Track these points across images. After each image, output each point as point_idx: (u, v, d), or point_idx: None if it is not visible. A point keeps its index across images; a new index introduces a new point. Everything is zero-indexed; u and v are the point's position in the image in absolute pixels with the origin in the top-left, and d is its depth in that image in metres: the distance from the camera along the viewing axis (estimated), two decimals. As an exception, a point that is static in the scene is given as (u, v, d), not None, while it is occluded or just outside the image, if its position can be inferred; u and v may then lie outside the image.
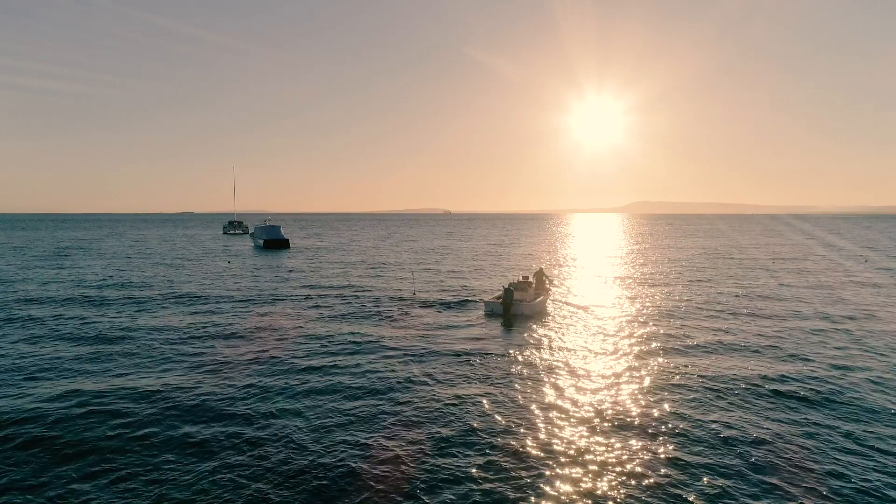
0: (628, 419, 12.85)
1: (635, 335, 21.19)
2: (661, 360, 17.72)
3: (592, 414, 13.17)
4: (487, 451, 11.23)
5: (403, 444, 11.52)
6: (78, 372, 16.36)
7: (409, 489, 9.79)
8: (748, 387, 15.08)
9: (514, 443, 11.59)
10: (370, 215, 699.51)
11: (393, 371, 16.44)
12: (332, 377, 15.87)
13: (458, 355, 18.24)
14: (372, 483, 10.00)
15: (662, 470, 10.47)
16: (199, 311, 26.13)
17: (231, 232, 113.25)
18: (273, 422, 12.63)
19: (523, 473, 10.33)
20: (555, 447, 11.41)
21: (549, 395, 14.40)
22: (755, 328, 22.57)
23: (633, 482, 10.03)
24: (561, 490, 9.78)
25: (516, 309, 25.66)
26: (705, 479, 10.16)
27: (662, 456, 11.01)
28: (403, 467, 10.55)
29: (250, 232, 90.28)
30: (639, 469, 10.50)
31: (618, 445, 11.50)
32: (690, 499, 9.52)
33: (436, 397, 14.24)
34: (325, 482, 10.03)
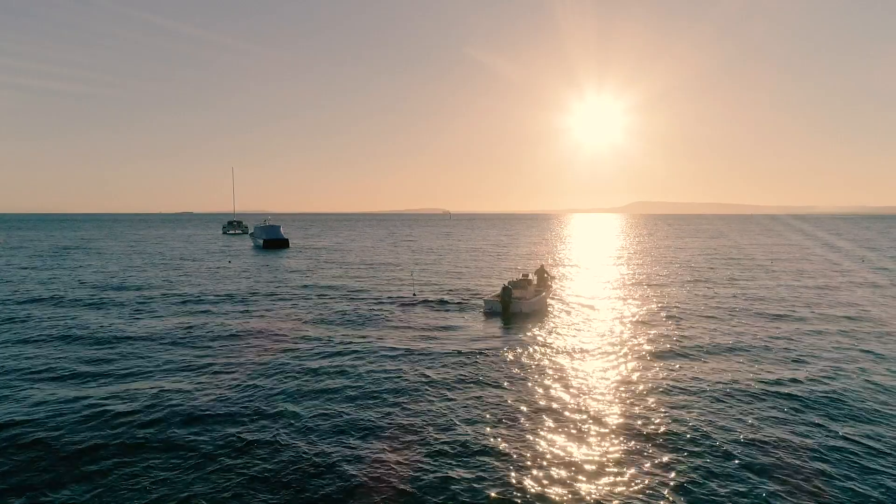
0: (626, 420, 12.88)
1: (634, 335, 21.23)
2: (659, 360, 17.75)
3: (590, 414, 13.20)
4: (486, 451, 11.26)
5: (402, 444, 11.55)
6: (76, 372, 16.39)
7: (408, 490, 9.84)
8: (745, 386, 15.11)
9: (512, 443, 11.63)
10: (370, 215, 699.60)
11: (393, 371, 16.48)
12: (332, 377, 15.91)
13: (458, 355, 18.27)
14: (371, 484, 10.03)
15: (661, 472, 10.51)
16: (199, 310, 26.17)
17: (230, 232, 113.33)
18: (272, 422, 12.66)
19: (521, 474, 10.37)
20: (551, 448, 11.45)
21: (547, 396, 14.44)
22: (753, 328, 22.61)
23: (631, 484, 10.07)
24: (559, 491, 9.83)
25: (515, 307, 25.75)
26: (702, 480, 10.21)
27: (660, 458, 11.05)
28: (402, 468, 10.59)
29: (250, 232, 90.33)
30: (638, 471, 10.53)
31: (616, 446, 11.53)
32: (688, 500, 9.57)
33: (435, 397, 14.28)
34: (324, 483, 10.07)
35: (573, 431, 12.23)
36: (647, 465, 10.70)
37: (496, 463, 10.76)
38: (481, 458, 10.94)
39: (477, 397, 14.32)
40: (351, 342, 20.08)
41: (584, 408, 13.61)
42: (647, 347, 19.36)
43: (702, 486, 9.96)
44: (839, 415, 13.28)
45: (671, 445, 11.51)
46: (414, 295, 30.88)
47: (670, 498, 9.57)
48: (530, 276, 29.40)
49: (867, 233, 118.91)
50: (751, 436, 11.98)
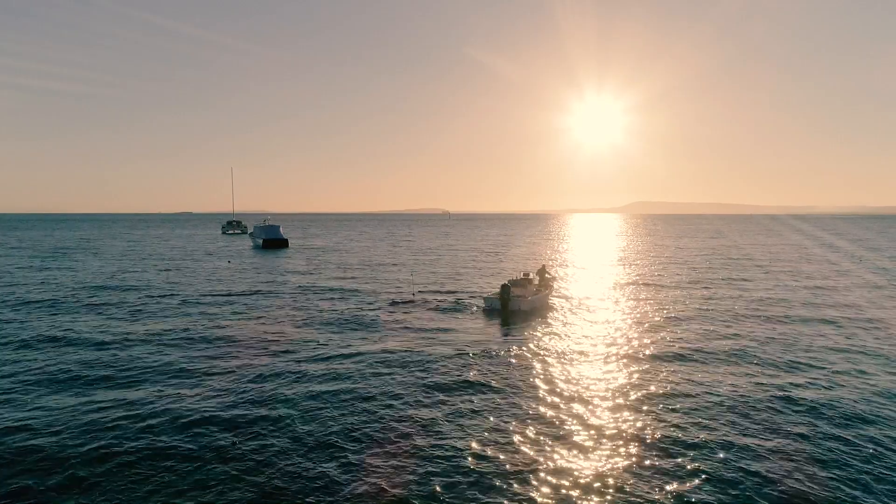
0: (623, 422, 12.90)
1: (633, 336, 21.25)
2: (657, 361, 17.76)
3: (586, 416, 13.23)
4: (484, 453, 11.29)
5: (400, 447, 11.56)
6: (70, 375, 16.39)
7: (406, 494, 9.86)
8: (742, 387, 15.14)
9: (510, 444, 11.66)
10: (369, 215, 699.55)
11: (391, 372, 16.49)
12: (330, 378, 15.93)
13: (456, 356, 18.27)
14: (367, 489, 10.06)
15: (659, 475, 10.53)
16: (197, 311, 26.19)
17: (230, 232, 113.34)
18: (269, 424, 12.68)
19: (519, 477, 10.39)
20: (548, 449, 11.47)
21: (545, 397, 14.46)
22: (751, 329, 22.64)
23: (628, 487, 10.10)
24: (557, 493, 9.85)
25: (514, 305, 25.90)
26: (699, 482, 10.24)
27: (657, 460, 11.07)
28: (399, 471, 10.61)
29: (249, 232, 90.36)
30: (635, 474, 10.55)
31: (613, 449, 11.54)
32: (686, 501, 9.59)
33: (433, 399, 14.30)
34: (323, 483, 10.10)
35: (570, 434, 12.24)
36: (645, 467, 10.72)
37: (493, 466, 10.78)
38: (479, 460, 10.96)
39: (475, 398, 14.34)
40: (350, 342, 20.10)
41: (580, 410, 13.63)
42: (645, 349, 19.39)
43: (698, 488, 9.99)
44: (838, 416, 13.29)
45: (668, 448, 11.53)
46: (413, 294, 30.91)
47: (668, 501, 9.59)
48: (531, 276, 29.52)
49: (867, 233, 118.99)
50: (749, 435, 12.01)
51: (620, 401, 14.07)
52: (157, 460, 10.83)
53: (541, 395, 14.46)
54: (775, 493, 9.72)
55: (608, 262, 52.92)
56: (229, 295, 30.97)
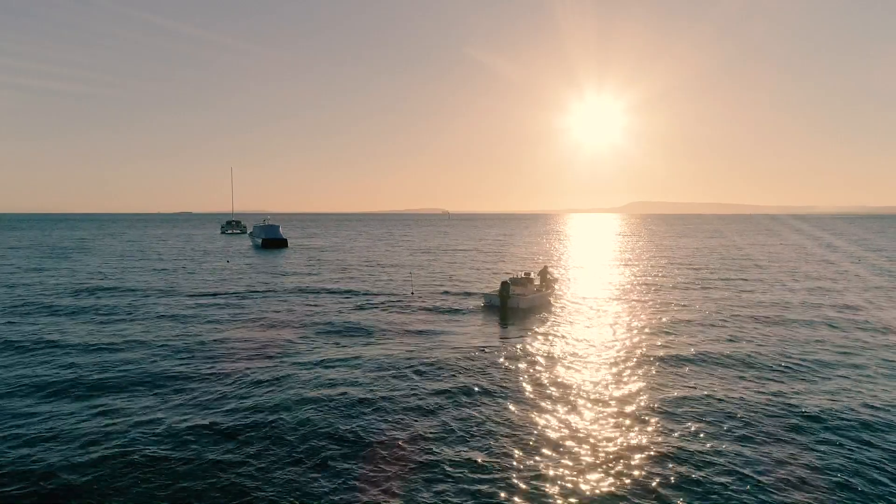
0: (621, 423, 12.93)
1: (630, 336, 21.28)
2: (654, 362, 17.78)
3: (583, 418, 13.27)
4: (482, 450, 11.32)
5: (398, 443, 11.60)
6: (71, 371, 16.44)
7: (404, 489, 9.89)
8: (740, 388, 15.19)
9: (507, 442, 11.69)
10: (369, 215, 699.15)
11: (390, 371, 16.52)
12: (329, 377, 15.95)
13: (454, 356, 18.29)
14: (368, 483, 10.09)
15: (656, 477, 10.56)
16: (196, 311, 26.20)
17: (229, 231, 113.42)
18: (268, 422, 12.71)
19: (515, 474, 10.43)
20: (544, 447, 11.51)
21: (542, 398, 14.50)
22: (750, 330, 22.67)
23: (624, 486, 10.14)
24: (551, 491, 9.89)
25: (513, 302, 26.16)
26: (693, 484, 10.27)
27: (654, 462, 11.10)
28: (398, 468, 10.65)
29: (249, 231, 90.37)
30: (632, 476, 10.60)
31: (609, 450, 11.57)
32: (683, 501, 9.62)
33: (430, 398, 14.32)
34: (321, 483, 10.12)
35: (566, 436, 12.26)
36: (642, 470, 10.75)
37: (490, 462, 10.82)
38: (475, 457, 10.99)
39: (472, 398, 14.36)
40: (348, 343, 20.13)
41: (576, 413, 13.65)
42: (643, 350, 19.42)
43: (693, 483, 10.02)
44: (839, 422, 13.33)
45: (665, 451, 11.56)
46: (412, 294, 30.95)
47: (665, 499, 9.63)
48: (532, 276, 29.71)
49: (866, 233, 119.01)
50: (746, 436, 12.05)
51: (616, 404, 14.06)
52: (151, 466, 10.70)
53: (536, 397, 14.48)
54: (771, 493, 9.76)
55: (607, 263, 52.95)
56: (228, 295, 30.98)
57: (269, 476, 10.19)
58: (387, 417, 12.87)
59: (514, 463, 10.70)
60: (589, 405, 13.70)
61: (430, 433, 12.02)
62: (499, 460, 10.81)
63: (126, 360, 17.50)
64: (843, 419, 12.90)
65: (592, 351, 18.83)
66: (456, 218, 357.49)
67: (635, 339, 20.42)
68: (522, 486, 9.88)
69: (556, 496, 9.56)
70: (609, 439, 11.74)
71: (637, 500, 9.43)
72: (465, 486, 9.84)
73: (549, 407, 13.58)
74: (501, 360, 17.72)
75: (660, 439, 11.71)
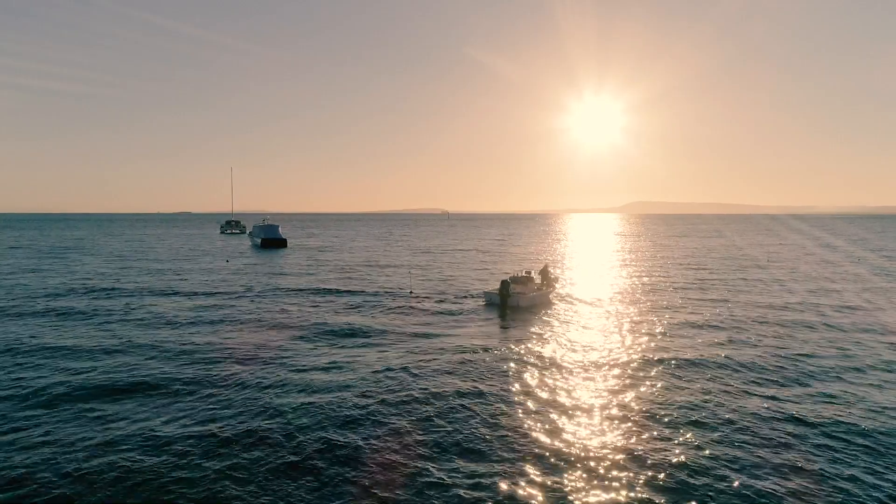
0: (617, 418, 12.89)
1: (628, 336, 21.23)
2: (651, 363, 17.72)
3: (580, 412, 13.23)
4: (479, 449, 11.28)
5: (396, 442, 11.55)
6: (68, 370, 16.38)
7: (402, 488, 9.84)
8: (737, 389, 15.14)
9: (504, 441, 11.65)
10: (369, 215, 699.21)
11: (388, 370, 16.46)
12: (327, 376, 15.91)
13: (454, 353, 18.26)
14: (366, 482, 10.04)
15: (652, 473, 10.52)
16: (196, 309, 26.15)
17: (229, 231, 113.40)
18: (266, 422, 12.66)
19: (512, 472, 10.38)
20: (539, 446, 11.46)
21: (539, 394, 14.46)
22: (747, 329, 22.62)
23: (621, 484, 10.09)
24: (548, 490, 9.84)
25: (513, 301, 26.32)
26: (690, 479, 10.22)
27: (651, 459, 11.06)
28: (395, 467, 10.59)
29: (248, 231, 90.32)
30: (627, 471, 10.55)
31: (606, 451, 11.53)
32: (679, 499, 9.58)
33: (429, 396, 14.27)
34: (320, 483, 10.07)
35: (566, 436, 12.23)
36: (641, 469, 10.71)
37: (488, 460, 10.77)
38: (474, 460, 10.94)
39: (471, 398, 14.31)
40: (346, 343, 20.08)
41: (575, 413, 13.61)
42: (641, 349, 19.38)
43: (690, 482, 9.98)
44: (835, 420, 13.29)
45: (665, 450, 11.51)
46: (411, 293, 30.91)
47: (663, 498, 9.58)
48: (533, 275, 29.80)
49: (867, 233, 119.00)
50: (744, 433, 12.00)
51: (614, 405, 14.00)
52: (141, 474, 10.51)
53: (535, 398, 14.41)
54: (764, 486, 9.71)
55: (606, 262, 52.91)
56: (227, 294, 30.92)
57: (265, 483, 10.13)
58: (384, 420, 12.80)
59: (513, 463, 10.65)
60: (587, 406, 13.65)
61: (428, 435, 11.95)
62: (497, 463, 10.75)
63: (119, 363, 17.28)
64: (842, 423, 12.84)
65: (591, 350, 18.77)
66: (456, 218, 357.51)
67: (633, 339, 20.37)
68: (521, 488, 9.83)
69: (554, 498, 9.51)
70: (608, 440, 11.68)
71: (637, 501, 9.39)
72: (465, 487, 9.79)
73: (549, 409, 13.52)
74: (501, 359, 17.65)
75: (659, 442, 11.65)
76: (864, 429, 12.23)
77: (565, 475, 10.18)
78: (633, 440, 11.60)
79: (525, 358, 17.77)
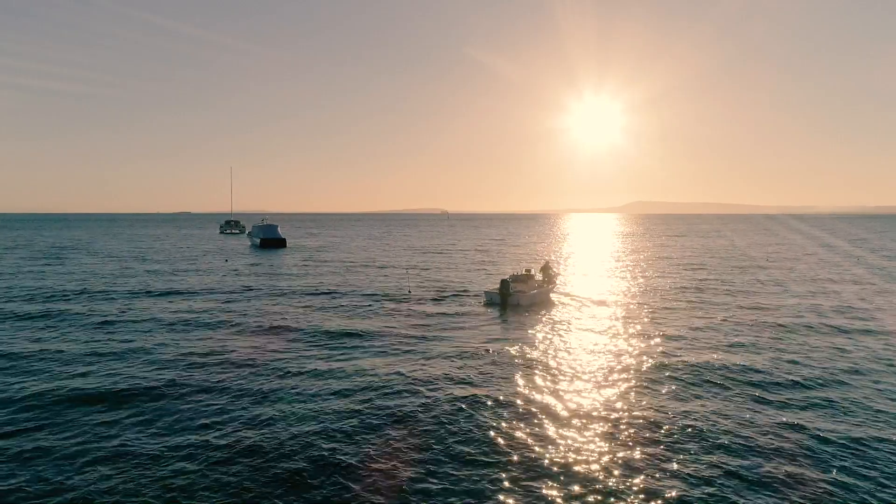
0: (614, 416, 12.84)
1: (626, 336, 21.18)
2: (650, 355, 17.70)
3: (580, 416, 13.18)
4: (478, 455, 11.23)
5: (394, 442, 11.50)
6: (66, 369, 16.31)
7: (401, 488, 9.79)
8: (735, 383, 15.08)
9: (502, 441, 11.60)
10: (369, 215, 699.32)
11: (386, 369, 16.41)
12: (325, 376, 15.85)
13: (452, 353, 18.21)
14: (362, 489, 9.99)
15: (649, 471, 10.47)
16: (194, 308, 26.10)
17: (228, 231, 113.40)
18: (264, 421, 12.60)
19: (511, 479, 10.33)
20: (538, 453, 11.41)
21: (538, 398, 14.41)
22: (746, 330, 22.56)
23: (618, 482, 10.03)
24: (545, 488, 9.79)
25: (513, 299, 26.35)
26: (689, 477, 10.17)
27: (648, 456, 11.01)
28: (394, 466, 10.55)
29: (247, 231, 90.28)
30: (625, 469, 10.50)
31: (603, 451, 11.48)
32: (677, 497, 9.52)
33: (425, 400, 14.21)
34: (318, 482, 10.01)
35: (562, 428, 12.18)
36: (635, 464, 10.66)
37: (486, 460, 10.72)
38: (473, 466, 10.88)
39: (467, 402, 14.24)
40: (344, 342, 20.02)
41: (572, 405, 13.57)
42: (640, 350, 19.33)
43: (688, 481, 9.92)
44: (833, 416, 13.25)
45: (657, 445, 11.47)
46: (409, 293, 30.86)
47: (660, 496, 9.53)
48: (533, 272, 29.87)
49: (864, 232, 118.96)
50: (742, 434, 11.95)
51: (612, 406, 13.97)
52: (129, 483, 10.60)
53: (534, 399, 14.35)
54: (761, 483, 9.66)
55: (605, 262, 52.84)
56: (225, 294, 30.86)
57: (262, 489, 10.08)
58: (380, 424, 12.72)
59: (513, 465, 10.60)
60: (587, 409, 13.59)
61: (426, 440, 11.87)
62: (497, 469, 10.69)
63: (110, 368, 16.90)
64: (842, 425, 12.79)
65: (591, 352, 18.71)
66: (455, 218, 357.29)
67: (632, 340, 20.30)
68: (519, 497, 9.78)
69: (554, 499, 9.46)
70: (608, 440, 11.63)
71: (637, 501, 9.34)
72: (464, 494, 9.73)
73: (548, 414, 13.45)
74: (500, 362, 17.59)
75: (659, 446, 11.59)
76: (863, 434, 12.17)
77: (565, 480, 10.12)
78: (633, 442, 11.55)
79: (524, 360, 17.70)
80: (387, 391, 14.49)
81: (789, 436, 11.80)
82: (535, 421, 12.61)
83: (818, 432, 11.99)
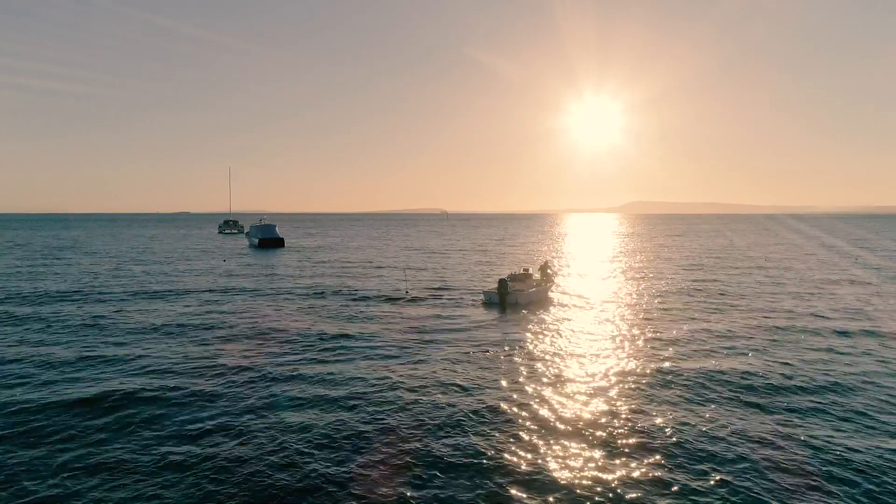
0: (610, 420, 12.73)
1: (625, 336, 21.08)
2: (647, 355, 17.60)
3: (574, 414, 13.08)
4: (480, 452, 11.11)
5: (389, 450, 11.40)
6: (63, 369, 16.21)
7: (399, 494, 9.67)
8: (730, 385, 14.98)
9: (496, 446, 11.49)
10: (368, 215, 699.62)
11: (383, 370, 16.32)
12: (324, 376, 15.75)
13: (449, 355, 18.10)
14: (363, 483, 9.88)
15: (642, 477, 10.36)
16: (189, 310, 25.98)
17: (226, 231, 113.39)
18: (262, 421, 12.51)
19: (508, 470, 10.22)
20: (534, 450, 11.31)
21: (536, 394, 14.32)
22: (745, 328, 22.46)
23: (616, 482, 9.92)
24: (544, 488, 9.67)
25: (512, 298, 26.36)
26: (688, 476, 10.05)
27: (642, 461, 10.90)
28: (392, 466, 10.43)
29: (246, 231, 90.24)
30: (619, 475, 10.39)
31: (602, 451, 11.37)
32: (675, 494, 9.41)
33: (425, 395, 14.12)
34: (318, 482, 9.90)
35: (561, 427, 12.07)
36: (633, 463, 10.55)
37: (485, 459, 10.60)
38: (471, 459, 10.77)
39: (464, 400, 14.15)
40: (342, 342, 19.91)
41: (570, 411, 13.46)
42: (639, 350, 19.24)
43: (688, 479, 9.80)
44: (832, 415, 13.14)
45: (656, 444, 11.36)
46: (406, 293, 30.75)
47: (660, 495, 9.40)
48: (531, 271, 29.90)
49: (863, 232, 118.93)
50: (739, 427, 11.84)
51: (609, 391, 13.89)
52: (117, 492, 10.59)
53: (529, 394, 14.27)
54: (760, 483, 9.54)
55: (604, 261, 52.74)
56: (223, 294, 30.76)
57: (260, 466, 9.95)
58: (377, 427, 12.63)
59: (509, 471, 10.48)
60: (587, 411, 13.48)
61: (423, 444, 11.77)
62: (492, 471, 10.58)
63: (102, 373, 16.82)
64: (841, 428, 12.68)
65: (591, 353, 18.61)
66: (455, 218, 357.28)
67: (631, 341, 20.20)
68: (517, 494, 9.65)
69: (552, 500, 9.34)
70: (602, 444, 11.53)
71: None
72: (462, 500, 9.61)
73: (547, 416, 13.34)
74: (498, 361, 17.49)
75: (659, 450, 11.48)
76: (861, 439, 12.06)
77: (564, 484, 10.00)
78: (627, 447, 11.43)
79: (522, 361, 17.59)
80: (381, 395, 14.36)
81: (784, 443, 11.68)
82: (533, 426, 12.49)
83: (813, 440, 11.87)
